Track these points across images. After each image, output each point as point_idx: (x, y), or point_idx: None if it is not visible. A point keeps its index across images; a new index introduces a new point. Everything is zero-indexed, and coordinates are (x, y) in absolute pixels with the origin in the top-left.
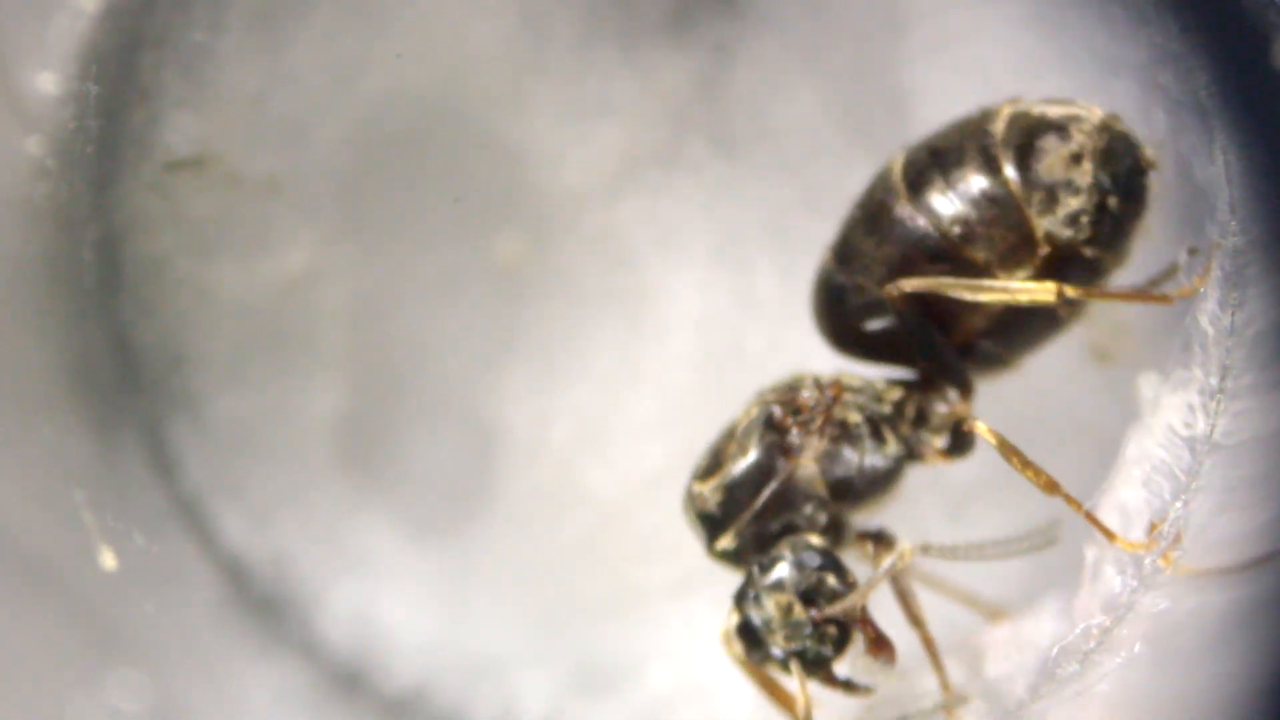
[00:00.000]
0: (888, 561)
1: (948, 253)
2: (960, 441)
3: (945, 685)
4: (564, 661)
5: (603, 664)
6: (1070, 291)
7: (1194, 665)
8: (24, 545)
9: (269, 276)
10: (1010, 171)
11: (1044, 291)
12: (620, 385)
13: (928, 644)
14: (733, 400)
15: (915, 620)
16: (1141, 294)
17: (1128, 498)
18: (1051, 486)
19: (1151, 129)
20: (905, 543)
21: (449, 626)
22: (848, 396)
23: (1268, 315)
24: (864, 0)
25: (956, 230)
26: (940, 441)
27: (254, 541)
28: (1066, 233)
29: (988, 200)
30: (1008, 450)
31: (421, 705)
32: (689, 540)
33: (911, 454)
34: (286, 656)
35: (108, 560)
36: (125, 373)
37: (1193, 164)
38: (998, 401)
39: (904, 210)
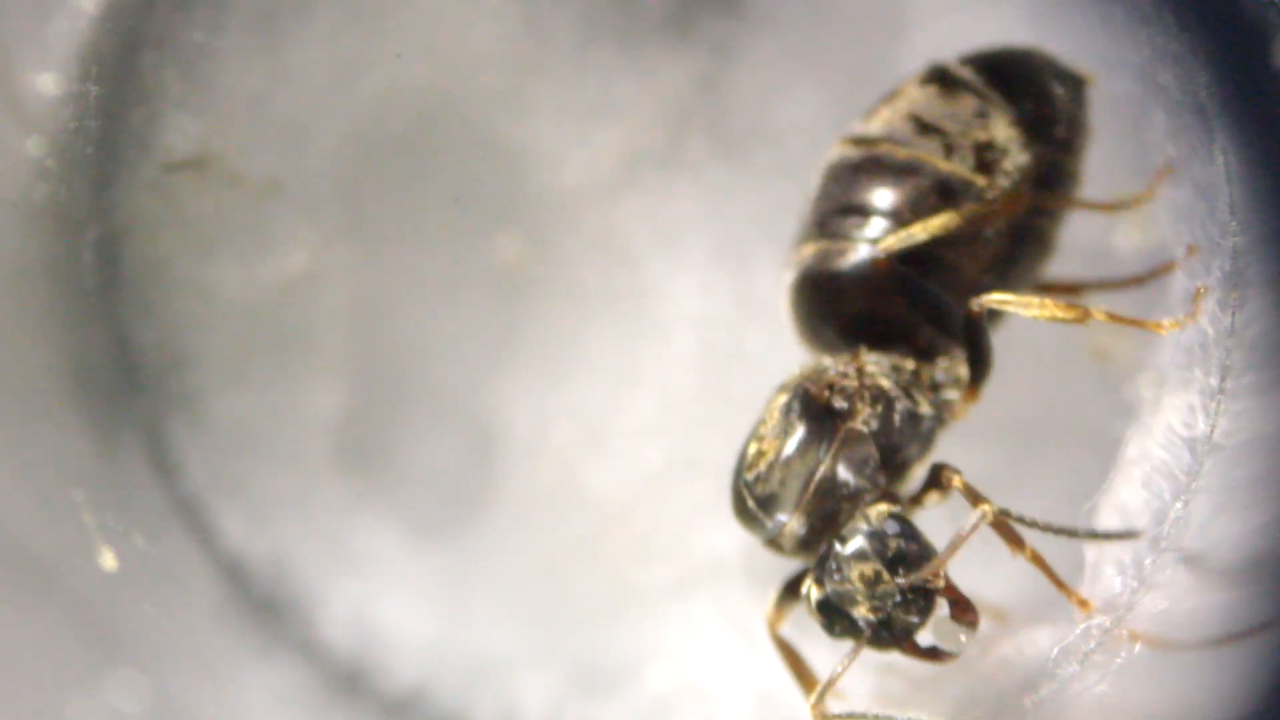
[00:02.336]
0: (971, 520)
1: (952, 180)
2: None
3: (1080, 603)
4: (564, 662)
5: (603, 664)
6: (1035, 197)
7: (1194, 665)
8: (24, 545)
9: (269, 276)
10: (993, 96)
11: (1013, 199)
12: (620, 385)
13: (1046, 570)
14: (733, 400)
15: (1024, 551)
16: (1096, 203)
17: (1128, 498)
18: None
19: (1152, 129)
20: (987, 504)
21: (449, 627)
22: (870, 367)
23: (1268, 315)
24: (864, 1)
25: (961, 152)
26: (957, 390)
27: (254, 542)
28: (1048, 140)
29: (978, 121)
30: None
31: (421, 706)
32: (689, 540)
33: (940, 418)
34: (286, 657)
35: (108, 560)
36: (125, 373)
37: (1193, 164)
38: (999, 402)
39: (898, 160)
